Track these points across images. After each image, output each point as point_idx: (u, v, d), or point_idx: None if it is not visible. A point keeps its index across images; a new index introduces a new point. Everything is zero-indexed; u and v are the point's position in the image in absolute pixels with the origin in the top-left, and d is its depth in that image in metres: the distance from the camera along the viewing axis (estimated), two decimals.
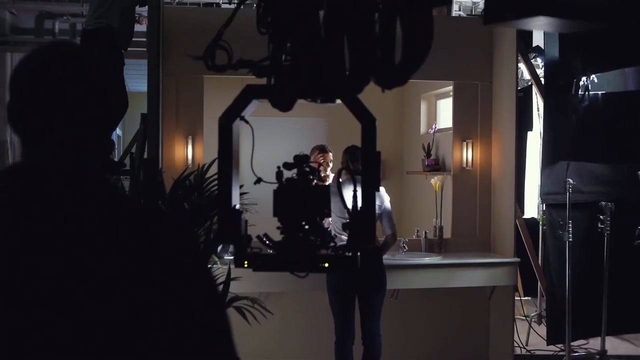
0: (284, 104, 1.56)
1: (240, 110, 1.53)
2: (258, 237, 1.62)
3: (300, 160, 1.59)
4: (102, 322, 1.20)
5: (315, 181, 1.63)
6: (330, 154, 5.98)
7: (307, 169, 1.57)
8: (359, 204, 1.51)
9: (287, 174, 1.64)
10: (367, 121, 1.50)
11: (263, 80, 1.66)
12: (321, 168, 5.83)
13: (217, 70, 1.59)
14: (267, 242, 1.58)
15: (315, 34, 1.53)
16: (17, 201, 1.25)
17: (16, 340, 1.20)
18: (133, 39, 6.10)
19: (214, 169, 4.77)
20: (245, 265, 1.60)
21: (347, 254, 1.53)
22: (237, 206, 1.58)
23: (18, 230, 1.23)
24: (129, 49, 6.04)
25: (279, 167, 1.59)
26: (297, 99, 1.58)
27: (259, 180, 1.66)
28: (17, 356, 1.20)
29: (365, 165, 1.48)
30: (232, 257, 5.59)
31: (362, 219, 1.49)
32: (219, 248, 5.20)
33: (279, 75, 1.57)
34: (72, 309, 1.20)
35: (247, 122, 1.59)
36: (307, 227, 1.53)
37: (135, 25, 6.45)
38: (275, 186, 1.64)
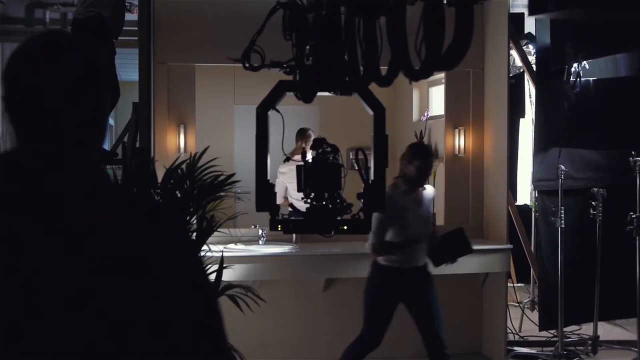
0: (307, 97, 1.99)
1: (274, 102, 1.96)
2: (290, 205, 2.03)
3: (320, 142, 2.02)
4: (85, 313, 1.21)
5: (334, 159, 2.04)
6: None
7: (329, 149, 2.00)
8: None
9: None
10: (378, 110, 1.92)
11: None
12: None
13: (253, 70, 2.02)
14: (297, 210, 2.00)
15: (336, 38, 1.94)
16: None
17: None
18: (124, 28, 6.29)
19: (205, 157, 5.01)
20: (279, 229, 2.01)
21: (361, 219, 1.96)
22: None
23: None
24: (119, 37, 6.23)
25: (303, 149, 2.02)
26: (317, 92, 1.99)
27: (287, 159, 2.08)
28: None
29: (376, 146, 1.91)
30: (224, 247, 5.89)
31: (374, 189, 1.92)
32: None
33: (303, 73, 1.99)
34: (48, 303, 1.20)
35: (278, 111, 2.02)
36: (329, 197, 1.95)
37: (126, 14, 6.68)
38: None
